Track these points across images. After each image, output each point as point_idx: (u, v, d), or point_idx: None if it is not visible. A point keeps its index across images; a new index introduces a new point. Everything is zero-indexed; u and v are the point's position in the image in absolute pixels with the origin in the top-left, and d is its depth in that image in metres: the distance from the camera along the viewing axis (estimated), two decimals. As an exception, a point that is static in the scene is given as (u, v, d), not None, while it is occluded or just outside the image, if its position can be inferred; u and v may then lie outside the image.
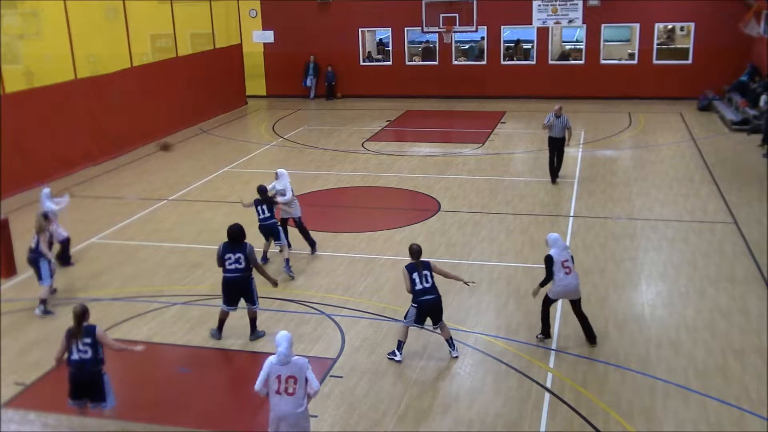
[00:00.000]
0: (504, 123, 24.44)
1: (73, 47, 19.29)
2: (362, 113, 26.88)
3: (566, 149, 17.14)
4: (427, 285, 9.38)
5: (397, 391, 8.94)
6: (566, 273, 9.72)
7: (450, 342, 9.68)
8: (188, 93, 24.73)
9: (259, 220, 12.48)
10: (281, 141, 22.67)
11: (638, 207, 15.42)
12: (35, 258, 11.46)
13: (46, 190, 12.74)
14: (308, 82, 29.73)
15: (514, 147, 21.25)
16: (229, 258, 9.94)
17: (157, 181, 18.49)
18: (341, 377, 9.27)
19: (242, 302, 10.20)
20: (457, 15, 27.33)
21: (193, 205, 16.36)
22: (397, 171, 18.69)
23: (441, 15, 27.41)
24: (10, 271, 12.65)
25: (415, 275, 9.41)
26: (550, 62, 28.07)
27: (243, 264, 9.94)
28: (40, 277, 11.44)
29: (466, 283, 10.17)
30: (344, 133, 23.63)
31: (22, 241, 13.11)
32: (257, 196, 12.52)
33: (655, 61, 27.16)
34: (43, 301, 11.41)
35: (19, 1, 20.08)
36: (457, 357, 9.64)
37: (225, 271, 10.02)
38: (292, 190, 12.99)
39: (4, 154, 16.90)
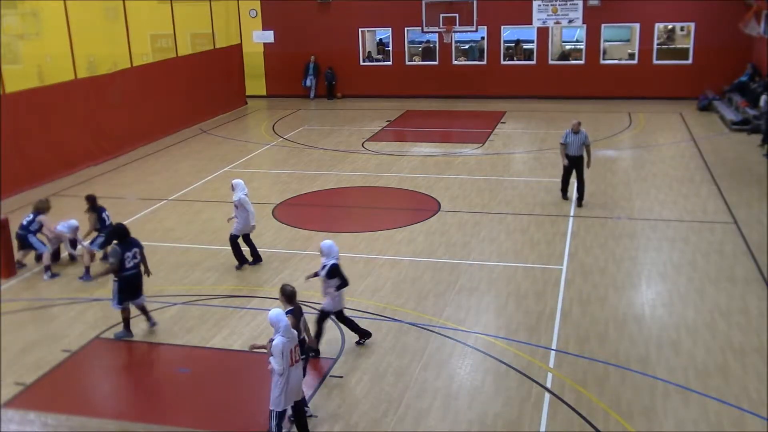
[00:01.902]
0: (504, 123, 24.44)
1: (73, 47, 19.29)
2: (362, 113, 26.89)
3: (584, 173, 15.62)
4: (303, 335, 8.30)
5: (397, 391, 8.94)
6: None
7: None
8: (188, 93, 24.74)
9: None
10: (281, 141, 22.68)
11: (638, 207, 15.42)
12: (24, 235, 12.69)
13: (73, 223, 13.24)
14: (308, 82, 29.74)
15: (514, 147, 21.25)
16: (128, 256, 10.26)
17: (157, 181, 18.50)
18: (341, 377, 9.27)
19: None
20: (457, 15, 27.36)
21: (193, 205, 16.35)
22: (397, 171, 18.70)
23: (441, 15, 27.43)
24: (10, 271, 12.67)
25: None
26: (550, 62, 28.08)
27: (138, 258, 10.43)
28: (35, 248, 12.74)
29: (315, 350, 9.26)
30: (344, 133, 23.63)
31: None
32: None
33: (655, 61, 27.17)
34: (48, 267, 12.62)
35: (19, 1, 20.08)
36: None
37: (124, 270, 10.24)
38: (242, 204, 12.35)
39: (4, 154, 16.91)
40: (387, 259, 13.00)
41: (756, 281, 11.71)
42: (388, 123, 24.98)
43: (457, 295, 11.43)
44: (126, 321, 10.45)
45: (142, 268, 10.62)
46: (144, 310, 10.64)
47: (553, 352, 9.75)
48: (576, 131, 15.33)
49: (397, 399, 8.78)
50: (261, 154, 21.22)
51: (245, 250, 12.77)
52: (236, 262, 12.68)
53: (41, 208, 12.91)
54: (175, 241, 14.08)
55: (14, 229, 13.04)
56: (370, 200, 16.78)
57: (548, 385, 9.00)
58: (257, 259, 12.82)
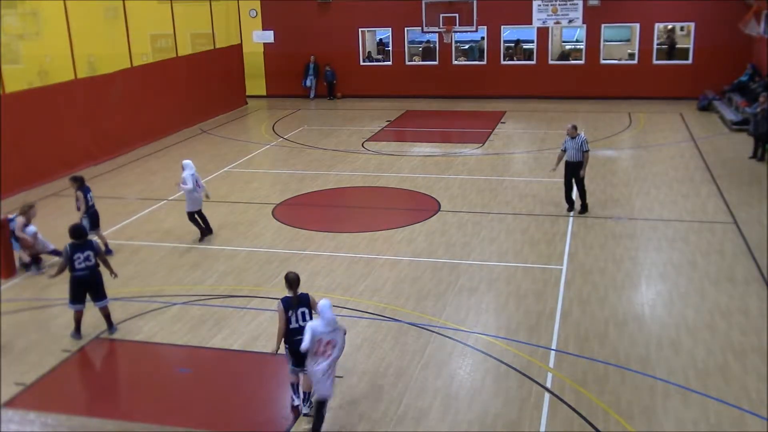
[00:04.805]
0: (504, 123, 24.44)
1: (73, 47, 19.29)
2: (362, 113, 26.89)
3: (586, 177, 15.04)
4: (303, 323, 8.21)
5: (397, 391, 8.94)
6: None
7: (307, 396, 8.51)
8: (188, 93, 24.74)
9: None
10: (281, 141, 22.67)
11: (638, 207, 15.42)
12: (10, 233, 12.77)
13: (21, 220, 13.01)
14: (308, 82, 29.74)
15: (514, 147, 21.25)
16: (78, 257, 10.24)
17: (157, 181, 18.50)
18: (341, 377, 9.26)
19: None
20: (457, 15, 27.33)
21: (193, 205, 16.34)
22: (397, 171, 18.69)
23: (441, 15, 27.40)
24: (10, 271, 12.67)
25: (291, 313, 8.27)
26: (550, 62, 28.08)
27: (92, 261, 10.34)
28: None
29: None
30: (344, 133, 23.63)
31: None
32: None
33: (655, 61, 27.18)
34: (28, 264, 12.93)
35: (19, 1, 20.08)
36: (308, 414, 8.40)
37: (74, 270, 10.26)
38: (195, 180, 13.68)
39: (4, 154, 16.91)
40: (387, 259, 13.00)
41: (756, 281, 11.71)
42: (388, 123, 24.98)
43: (457, 295, 11.43)
44: (77, 323, 10.44)
45: (108, 271, 10.63)
46: (106, 315, 10.57)
47: (553, 352, 9.75)
48: (572, 136, 14.67)
49: (397, 399, 8.78)
50: (261, 154, 21.22)
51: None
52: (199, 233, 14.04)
53: (24, 212, 12.87)
54: (175, 241, 14.08)
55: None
56: (370, 200, 16.77)
57: (548, 385, 9.00)
58: (207, 230, 14.21)
